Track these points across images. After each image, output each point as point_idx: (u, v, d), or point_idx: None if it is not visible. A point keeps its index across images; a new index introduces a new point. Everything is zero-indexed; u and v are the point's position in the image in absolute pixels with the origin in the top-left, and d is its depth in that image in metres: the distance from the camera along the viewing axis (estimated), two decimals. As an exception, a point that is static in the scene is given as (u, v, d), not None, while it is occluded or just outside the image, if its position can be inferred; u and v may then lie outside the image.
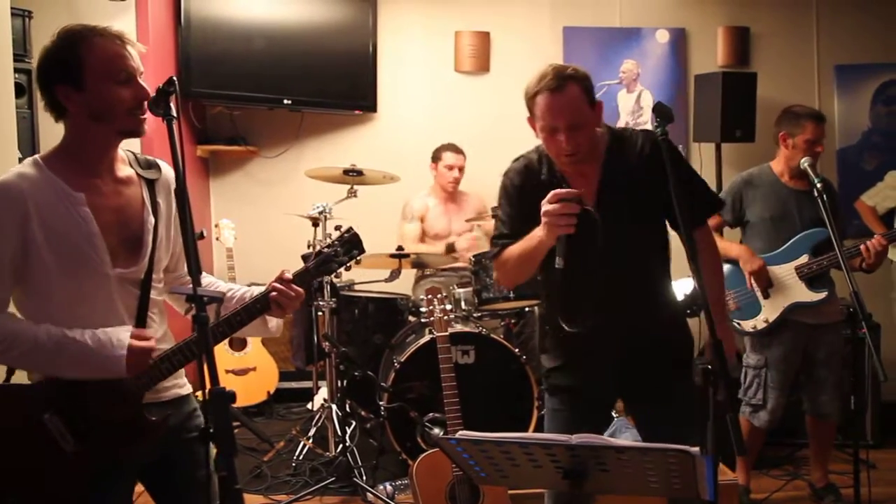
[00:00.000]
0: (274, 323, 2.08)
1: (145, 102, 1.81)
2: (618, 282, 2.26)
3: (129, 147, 2.00)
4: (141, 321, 1.92)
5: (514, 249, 2.28)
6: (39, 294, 1.83)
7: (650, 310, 2.33)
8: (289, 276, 2.01)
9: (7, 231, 1.76)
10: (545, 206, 2.09)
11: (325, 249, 2.11)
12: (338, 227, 2.22)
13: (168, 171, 2.01)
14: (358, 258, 2.15)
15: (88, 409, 1.82)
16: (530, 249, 2.21)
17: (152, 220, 1.94)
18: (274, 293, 1.97)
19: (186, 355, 1.91)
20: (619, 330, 2.29)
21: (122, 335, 1.84)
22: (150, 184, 1.97)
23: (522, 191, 2.34)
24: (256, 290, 2.05)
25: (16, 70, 3.21)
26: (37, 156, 1.87)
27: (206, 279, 2.14)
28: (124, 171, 1.94)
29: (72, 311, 1.84)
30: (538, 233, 2.15)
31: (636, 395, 2.45)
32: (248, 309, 1.97)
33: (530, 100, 2.28)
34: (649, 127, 5.41)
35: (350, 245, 2.13)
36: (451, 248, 4.78)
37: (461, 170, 4.97)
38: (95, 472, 1.84)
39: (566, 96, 2.16)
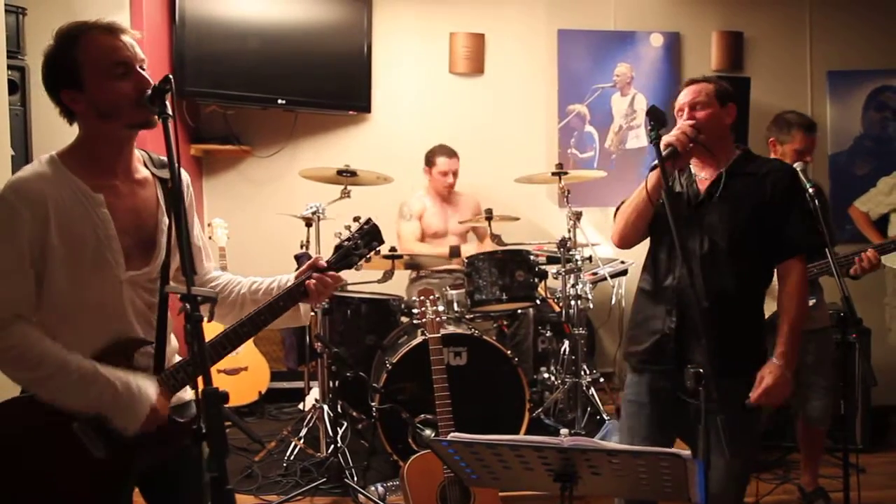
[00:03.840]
0: (303, 309, 2.04)
1: (148, 92, 1.76)
2: (700, 266, 2.43)
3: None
4: (162, 326, 1.90)
5: (630, 196, 2.57)
6: (51, 297, 1.79)
7: (727, 317, 2.37)
8: (323, 263, 2.00)
9: (28, 234, 1.73)
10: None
11: (346, 243, 2.07)
12: (356, 219, 2.18)
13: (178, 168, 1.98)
14: (378, 249, 2.12)
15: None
16: (641, 187, 2.50)
17: (167, 220, 1.91)
18: (312, 282, 1.97)
19: (212, 356, 1.88)
20: (691, 312, 2.39)
21: (151, 390, 1.80)
22: (165, 183, 1.93)
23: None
24: (285, 279, 2.03)
25: (9, 67, 3.20)
26: (54, 152, 1.84)
27: (223, 277, 2.13)
28: (141, 172, 1.92)
29: (82, 314, 1.81)
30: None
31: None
32: (272, 307, 1.95)
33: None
34: (643, 130, 5.50)
35: (370, 237, 2.10)
36: (455, 253, 4.78)
37: (455, 174, 4.97)
38: (122, 476, 1.82)
39: (699, 85, 2.57)
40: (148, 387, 1.80)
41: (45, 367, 1.74)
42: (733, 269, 2.44)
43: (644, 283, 2.65)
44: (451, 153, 4.97)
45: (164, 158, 1.95)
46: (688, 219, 2.48)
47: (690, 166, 2.59)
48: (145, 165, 1.94)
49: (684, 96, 2.55)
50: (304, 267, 2.04)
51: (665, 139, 2.41)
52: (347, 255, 2.07)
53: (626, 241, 2.63)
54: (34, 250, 1.74)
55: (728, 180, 2.49)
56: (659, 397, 2.52)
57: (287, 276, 2.06)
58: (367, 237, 2.10)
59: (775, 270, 2.53)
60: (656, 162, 2.38)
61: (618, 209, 2.65)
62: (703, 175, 2.55)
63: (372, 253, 2.12)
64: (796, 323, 2.43)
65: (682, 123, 2.48)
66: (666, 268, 2.53)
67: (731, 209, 2.46)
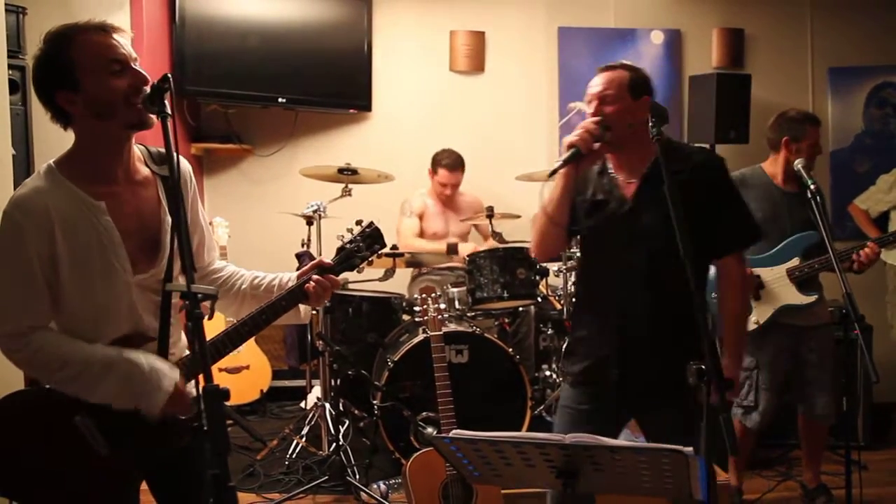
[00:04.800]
0: (303, 309, 2.06)
1: (145, 88, 1.76)
2: (640, 278, 2.32)
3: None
4: (164, 325, 1.91)
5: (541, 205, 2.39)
6: (64, 308, 1.81)
7: (668, 315, 2.31)
8: (329, 263, 2.02)
9: (36, 249, 1.74)
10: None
11: (348, 245, 2.09)
12: (359, 222, 2.20)
13: (182, 163, 1.96)
14: (379, 252, 2.14)
15: (120, 411, 1.80)
16: (550, 194, 2.34)
17: (169, 219, 1.91)
18: (312, 284, 1.98)
19: (213, 355, 1.90)
20: (633, 329, 2.34)
21: (175, 373, 1.84)
22: (166, 181, 1.93)
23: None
24: (286, 277, 2.04)
25: (9, 66, 3.19)
26: (51, 162, 1.84)
27: (228, 268, 2.14)
28: (141, 172, 1.92)
29: (97, 323, 1.83)
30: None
31: (642, 392, 2.40)
32: (274, 307, 1.97)
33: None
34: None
35: (371, 239, 2.12)
36: (452, 249, 4.78)
37: (455, 186, 4.93)
38: (127, 473, 1.83)
39: (611, 74, 2.37)
40: (171, 367, 1.85)
41: (70, 365, 1.78)
42: (675, 276, 2.29)
43: (578, 300, 2.58)
44: (454, 166, 4.87)
45: (164, 153, 1.95)
46: (618, 229, 2.34)
47: (609, 171, 2.42)
48: (145, 163, 1.94)
49: (594, 86, 2.36)
50: (307, 267, 2.04)
51: (567, 139, 2.26)
52: (350, 257, 2.09)
53: (545, 254, 2.52)
54: (43, 264, 1.76)
55: (654, 181, 2.30)
56: (597, 407, 2.40)
57: (289, 275, 2.07)
58: (368, 240, 2.12)
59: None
60: (556, 166, 2.24)
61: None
62: (622, 178, 2.38)
63: (374, 256, 2.13)
64: (741, 318, 2.42)
65: (586, 121, 2.31)
66: (602, 284, 2.41)
67: (664, 213, 2.26)
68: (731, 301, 2.42)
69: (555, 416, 2.57)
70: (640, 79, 2.38)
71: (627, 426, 3.45)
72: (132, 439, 1.82)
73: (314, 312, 4.12)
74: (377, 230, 2.14)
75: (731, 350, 2.38)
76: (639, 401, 2.41)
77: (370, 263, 2.16)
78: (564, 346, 2.60)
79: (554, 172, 2.25)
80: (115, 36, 1.80)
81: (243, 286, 2.08)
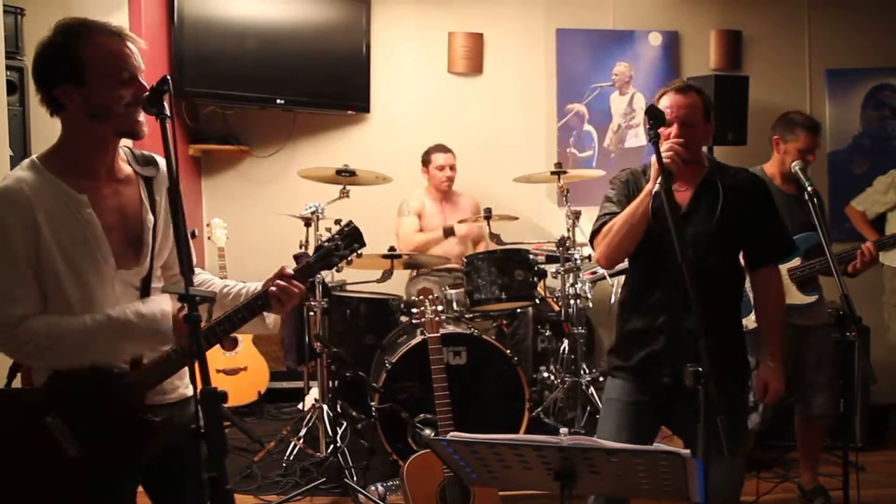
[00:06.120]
0: (271, 319, 2.05)
1: (142, 103, 1.76)
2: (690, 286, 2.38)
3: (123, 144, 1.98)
4: None
5: (620, 215, 2.52)
6: (47, 298, 1.81)
7: (712, 324, 2.36)
8: (289, 271, 1.98)
9: (21, 240, 1.75)
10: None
11: (326, 244, 2.08)
12: (337, 222, 2.18)
13: (165, 166, 1.97)
14: (359, 252, 2.12)
15: (91, 412, 1.79)
16: (636, 206, 2.46)
17: (151, 218, 1.92)
18: (274, 289, 1.93)
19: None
20: (678, 335, 2.45)
21: (166, 306, 1.86)
22: (148, 181, 1.94)
23: (629, 184, 2.65)
24: (253, 286, 2.02)
25: (8, 67, 3.20)
26: (34, 156, 1.84)
27: (200, 276, 2.13)
28: (124, 170, 1.92)
29: (81, 312, 1.82)
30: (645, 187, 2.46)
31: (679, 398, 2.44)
32: (250, 306, 1.94)
33: (657, 99, 2.56)
34: (642, 129, 5.50)
35: (351, 238, 2.10)
36: (450, 232, 4.79)
37: (453, 168, 4.98)
38: (100, 474, 1.82)
39: (691, 99, 2.51)
40: (161, 303, 1.88)
41: (64, 340, 1.78)
42: (717, 280, 2.46)
43: (630, 299, 2.66)
44: (445, 149, 5.00)
45: (147, 155, 1.98)
46: (668, 232, 2.42)
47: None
48: (128, 163, 1.94)
49: (675, 107, 2.48)
50: (271, 276, 2.00)
51: (660, 156, 2.34)
52: (328, 255, 2.07)
53: (613, 263, 2.64)
54: (28, 255, 1.76)
55: (706, 192, 2.52)
56: (646, 401, 2.52)
57: (256, 284, 2.05)
58: (348, 238, 2.10)
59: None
60: (658, 188, 2.34)
61: (596, 231, 2.61)
62: (674, 187, 2.44)
63: (354, 255, 2.11)
64: (780, 324, 2.64)
65: (673, 142, 2.42)
66: (654, 284, 2.53)
67: (714, 222, 2.47)
68: (771, 307, 2.65)
69: (602, 409, 2.67)
70: (710, 104, 2.56)
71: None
72: (105, 439, 1.81)
73: (312, 314, 4.12)
74: (356, 229, 2.12)
75: (774, 352, 2.61)
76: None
77: (349, 263, 2.14)
78: (612, 344, 2.68)
79: (658, 196, 2.35)
80: (129, 45, 1.82)
81: None
